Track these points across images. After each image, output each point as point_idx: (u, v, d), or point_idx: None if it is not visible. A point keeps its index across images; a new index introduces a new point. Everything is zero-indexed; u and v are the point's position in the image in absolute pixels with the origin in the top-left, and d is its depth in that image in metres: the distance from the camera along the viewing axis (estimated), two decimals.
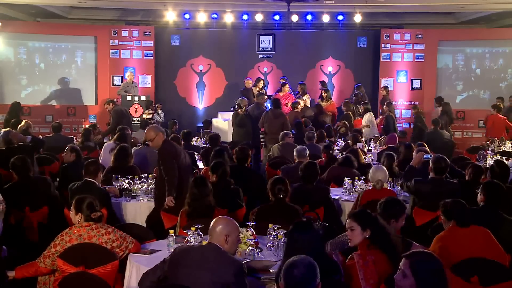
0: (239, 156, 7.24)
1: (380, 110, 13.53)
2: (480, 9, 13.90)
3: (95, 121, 13.79)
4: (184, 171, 6.10)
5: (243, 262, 3.82)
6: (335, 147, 9.78)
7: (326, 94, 13.49)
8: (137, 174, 6.82)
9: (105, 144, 8.99)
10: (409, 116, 14.55)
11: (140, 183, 6.57)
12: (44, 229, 5.84)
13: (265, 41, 15.36)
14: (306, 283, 2.89)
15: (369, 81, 15.26)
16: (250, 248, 4.32)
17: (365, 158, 8.81)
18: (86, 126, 11.53)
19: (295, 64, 15.20)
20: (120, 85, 14.03)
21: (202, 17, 14.43)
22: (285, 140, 9.25)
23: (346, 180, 6.77)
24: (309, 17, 14.56)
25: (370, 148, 10.43)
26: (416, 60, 14.98)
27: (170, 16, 14.26)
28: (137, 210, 6.25)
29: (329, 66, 15.47)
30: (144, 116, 12.60)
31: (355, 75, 15.32)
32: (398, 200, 4.61)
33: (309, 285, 2.89)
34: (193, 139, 10.85)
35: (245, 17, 14.50)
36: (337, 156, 8.66)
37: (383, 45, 14.98)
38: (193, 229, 4.43)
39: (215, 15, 14.45)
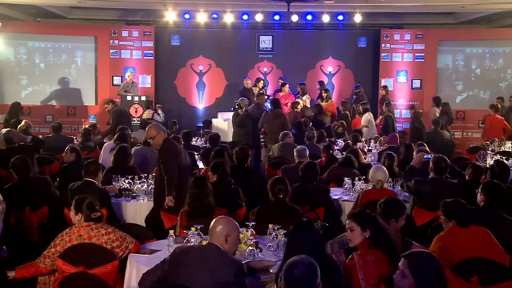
0: (239, 156, 7.24)
1: (380, 110, 13.53)
2: (480, 9, 13.90)
3: (95, 121, 13.79)
4: (184, 171, 6.09)
5: (243, 262, 3.82)
6: (335, 147, 9.78)
7: (326, 94, 13.49)
8: (137, 174, 6.82)
9: (105, 144, 8.99)
10: (409, 116, 14.51)
11: (140, 183, 6.57)
12: (44, 229, 5.84)
13: (265, 41, 15.37)
14: (306, 283, 2.89)
15: (369, 81, 15.27)
16: (250, 248, 4.32)
17: (365, 158, 8.81)
18: (86, 126, 11.52)
19: (295, 64, 15.20)
20: (120, 85, 14.03)
21: (202, 17, 14.43)
22: (285, 140, 9.25)
23: (346, 180, 6.77)
24: (309, 17, 14.56)
25: (370, 148, 10.43)
26: (416, 60, 14.99)
27: (170, 16, 14.26)
28: (137, 210, 6.24)
29: (329, 66, 15.47)
30: (144, 116, 12.61)
31: (355, 75, 15.32)
32: (398, 200, 4.61)
33: (309, 285, 2.89)
34: (193, 139, 10.85)
35: (245, 17, 14.50)
36: (337, 156, 8.66)
37: (383, 45, 14.98)
38: (193, 229, 4.43)
39: (215, 15, 14.45)
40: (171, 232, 4.56)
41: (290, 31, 15.56)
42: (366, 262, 3.63)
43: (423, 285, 2.95)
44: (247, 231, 4.48)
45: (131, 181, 6.62)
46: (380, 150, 9.83)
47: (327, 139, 9.96)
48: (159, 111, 13.74)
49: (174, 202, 5.78)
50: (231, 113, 11.94)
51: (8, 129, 8.88)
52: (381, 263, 3.62)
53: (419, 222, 5.69)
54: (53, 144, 9.36)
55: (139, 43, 14.81)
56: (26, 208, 5.85)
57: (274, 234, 4.47)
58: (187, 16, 14.48)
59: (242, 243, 4.33)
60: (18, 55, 14.45)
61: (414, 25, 15.43)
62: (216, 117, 13.92)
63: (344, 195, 6.67)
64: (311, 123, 11.51)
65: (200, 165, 8.69)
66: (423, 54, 14.91)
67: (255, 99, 12.26)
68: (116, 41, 14.69)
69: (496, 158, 8.76)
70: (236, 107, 11.32)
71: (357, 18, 14.26)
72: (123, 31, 14.74)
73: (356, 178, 6.79)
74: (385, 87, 14.13)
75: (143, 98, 13.33)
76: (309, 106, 13.00)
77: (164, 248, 4.47)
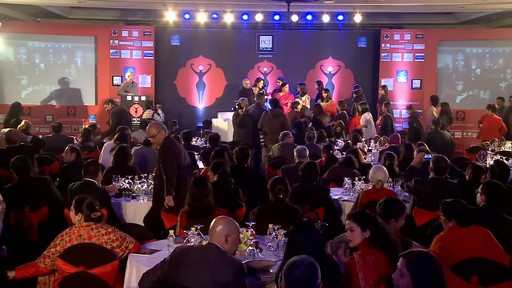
0: (239, 156, 7.24)
1: (379, 110, 13.53)
2: (480, 9, 13.90)
3: (95, 121, 13.79)
4: (184, 171, 6.09)
5: (243, 262, 3.82)
6: (335, 147, 9.78)
7: (326, 94, 13.51)
8: (137, 174, 6.82)
9: (105, 144, 9.00)
10: (409, 116, 14.54)
11: (140, 183, 6.57)
12: (44, 229, 5.84)
13: (265, 41, 15.37)
14: (307, 283, 2.89)
15: (369, 81, 15.27)
16: (250, 248, 4.32)
17: (365, 158, 8.82)
18: (86, 126, 11.53)
19: (295, 64, 15.20)
20: (120, 85, 14.03)
21: (202, 17, 14.44)
22: (285, 140, 9.25)
23: (346, 180, 6.77)
24: (309, 17, 14.56)
25: (370, 148, 10.44)
26: (416, 60, 14.98)
27: (170, 16, 14.26)
28: (137, 210, 6.24)
29: (329, 66, 15.47)
30: (144, 116, 12.61)
31: (355, 75, 15.32)
32: (397, 200, 4.61)
33: (310, 285, 2.89)
34: (193, 139, 10.85)
35: (245, 17, 14.50)
36: (337, 156, 8.67)
37: (383, 45, 14.98)
38: (193, 229, 4.43)
39: (215, 15, 14.45)
40: (171, 232, 4.56)
41: (290, 31, 15.55)
42: (366, 262, 3.63)
43: (420, 284, 2.95)
44: (247, 231, 4.48)
45: (131, 181, 6.63)
46: (381, 150, 9.83)
47: (327, 139, 9.96)
48: (159, 111, 13.73)
49: (173, 202, 5.78)
50: (231, 113, 11.93)
51: (9, 128, 8.90)
52: (381, 263, 3.62)
53: (419, 222, 5.69)
54: (53, 144, 9.36)
55: (139, 43, 14.81)
56: (26, 208, 5.85)
57: (274, 234, 4.47)
58: (187, 16, 14.48)
59: (242, 243, 4.33)
60: (18, 55, 14.45)
61: (414, 25, 15.43)
62: (216, 117, 13.92)
63: (344, 195, 6.67)
64: (311, 123, 11.52)
65: (200, 165, 8.69)
66: (423, 54, 14.90)
67: (255, 99, 12.27)
68: (116, 41, 14.69)
69: (496, 158, 8.76)
70: (236, 107, 11.32)
71: (357, 18, 14.26)
72: (123, 31, 14.74)
73: (356, 178, 6.79)
74: (384, 86, 14.13)
75: (143, 98, 13.33)
76: (309, 106, 13.01)
77: (164, 248, 4.47)
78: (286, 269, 2.94)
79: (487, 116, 12.37)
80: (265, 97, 12.46)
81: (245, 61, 15.25)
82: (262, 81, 13.83)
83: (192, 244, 4.27)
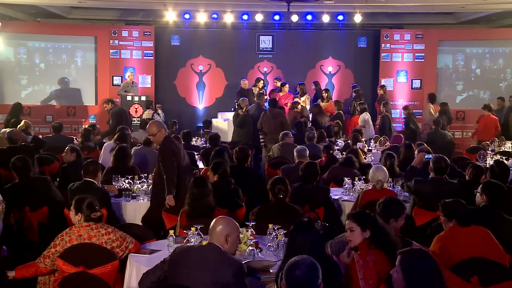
0: (239, 156, 7.24)
1: (378, 110, 13.52)
2: (480, 9, 13.90)
3: (95, 121, 13.79)
4: (183, 171, 6.09)
5: (243, 262, 3.82)
6: (335, 147, 9.78)
7: (326, 95, 13.53)
8: (137, 174, 6.82)
9: (105, 144, 9.01)
10: (405, 117, 14.53)
11: (140, 183, 6.57)
12: (44, 229, 5.84)
13: (265, 41, 15.36)
14: (308, 283, 2.89)
15: (369, 81, 15.27)
16: (250, 248, 4.32)
17: (365, 158, 8.82)
18: (86, 126, 11.53)
19: (295, 64, 15.20)
20: (120, 85, 14.03)
21: (202, 17, 14.43)
22: (285, 140, 9.25)
23: (346, 180, 6.77)
24: (309, 17, 14.56)
25: (370, 148, 10.44)
26: (416, 60, 14.98)
27: (170, 16, 14.25)
28: (137, 210, 6.24)
29: (329, 66, 15.47)
30: (144, 116, 12.61)
31: (355, 75, 15.32)
32: (397, 199, 4.62)
33: (311, 285, 2.89)
34: (193, 139, 10.85)
35: (245, 17, 14.50)
36: (337, 156, 8.67)
37: (383, 45, 14.98)
38: (193, 229, 4.43)
39: (215, 15, 14.45)
40: (171, 232, 4.56)
41: (290, 31, 15.55)
42: (366, 262, 3.64)
43: (412, 282, 2.96)
44: (247, 231, 4.48)
45: (131, 181, 6.63)
46: (383, 149, 9.83)
47: (327, 139, 9.96)
48: (159, 111, 13.73)
49: (174, 202, 5.78)
50: (231, 113, 11.93)
51: (11, 128, 8.92)
52: (381, 263, 3.62)
53: (419, 222, 5.69)
54: (53, 144, 9.36)
55: (139, 43, 14.81)
56: (26, 208, 5.85)
57: (274, 234, 4.47)
58: (187, 16, 14.48)
59: (242, 243, 4.33)
60: (18, 55, 14.45)
61: (414, 25, 15.43)
62: (216, 117, 13.93)
63: (344, 195, 6.66)
64: (310, 123, 11.52)
65: (200, 165, 8.69)
66: (423, 54, 14.90)
67: (255, 99, 12.27)
68: (116, 41, 14.69)
69: (496, 158, 8.76)
70: (237, 107, 11.32)
71: (357, 18, 14.26)
72: (123, 31, 14.74)
73: (356, 178, 6.79)
74: (383, 86, 14.10)
75: (143, 98, 13.33)
76: (308, 106, 13.02)
77: (164, 248, 4.47)
78: (287, 269, 2.94)
79: (483, 116, 12.38)
80: (265, 97, 12.46)
81: (245, 61, 15.25)
82: (262, 81, 13.84)
83: (192, 244, 4.27)
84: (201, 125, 13.19)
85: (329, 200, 6.12)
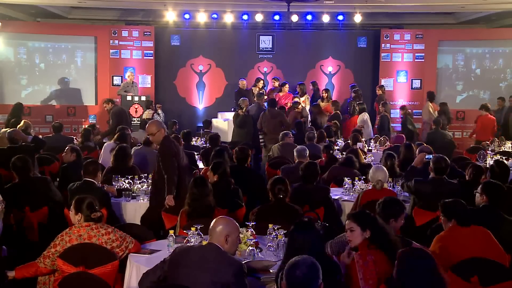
0: (239, 156, 7.24)
1: (377, 110, 13.53)
2: (480, 9, 13.90)
3: (95, 121, 13.79)
4: (183, 171, 6.10)
5: (243, 262, 3.82)
6: (335, 147, 9.78)
7: (326, 95, 13.54)
8: (137, 174, 6.82)
9: (105, 144, 9.01)
10: (402, 117, 14.54)
11: (140, 183, 6.57)
12: (44, 229, 5.84)
13: (265, 41, 15.36)
14: (308, 283, 2.89)
15: (369, 81, 15.26)
16: (250, 248, 4.32)
17: (365, 158, 8.82)
18: (86, 126, 11.54)
19: (295, 64, 15.20)
20: (120, 85, 14.04)
21: (202, 17, 14.43)
22: (285, 140, 9.26)
23: (346, 180, 6.77)
24: (309, 17, 14.56)
25: (370, 148, 10.44)
26: (416, 60, 14.98)
27: (170, 16, 14.25)
28: (137, 210, 6.24)
29: (329, 66, 15.46)
30: (144, 116, 12.61)
31: (355, 75, 15.32)
32: (396, 199, 4.62)
33: (311, 285, 2.89)
34: (193, 139, 10.85)
35: (245, 17, 14.50)
36: (337, 156, 8.67)
37: (383, 45, 14.98)
38: (193, 229, 4.43)
39: (215, 15, 14.45)
40: (171, 232, 4.56)
41: (290, 31, 15.55)
42: (366, 262, 3.64)
43: (411, 282, 2.98)
44: (247, 231, 4.48)
45: (131, 181, 6.62)
46: (384, 149, 9.84)
47: (327, 139, 9.96)
48: (159, 111, 13.73)
49: (174, 202, 5.78)
50: (231, 113, 11.93)
51: (11, 128, 8.93)
52: (381, 263, 3.62)
53: (419, 222, 5.70)
54: (53, 144, 9.37)
55: (139, 43, 14.81)
56: (26, 208, 5.85)
57: (274, 234, 4.47)
58: (187, 16, 14.47)
59: (242, 243, 4.33)
60: (18, 55, 14.45)
61: (414, 25, 15.42)
62: (216, 117, 13.92)
63: (344, 195, 6.67)
64: (310, 123, 11.52)
65: (200, 165, 8.69)
66: (423, 54, 14.90)
67: (255, 99, 12.28)
68: (116, 41, 14.69)
69: (496, 158, 8.76)
70: (237, 107, 11.32)
71: (357, 18, 14.26)
72: (123, 31, 14.74)
73: (356, 178, 6.79)
74: (381, 86, 14.08)
75: (143, 98, 13.33)
76: (308, 106, 13.02)
77: (164, 248, 4.47)
78: (287, 269, 2.94)
79: (481, 116, 12.39)
80: (265, 97, 12.47)
81: (245, 61, 15.25)
82: (262, 81, 13.84)
83: (192, 244, 4.27)
84: (201, 125, 13.19)
85: (329, 200, 6.12)
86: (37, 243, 5.58)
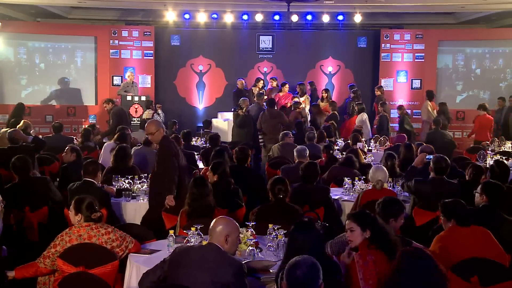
0: (239, 156, 7.24)
1: (376, 110, 13.53)
2: (480, 9, 13.90)
3: (95, 121, 13.79)
4: (182, 171, 6.10)
5: (243, 262, 3.82)
6: (335, 147, 9.79)
7: (326, 95, 13.54)
8: (137, 174, 6.82)
9: (105, 144, 9.01)
10: (399, 116, 14.54)
11: (140, 183, 6.57)
12: (44, 229, 5.84)
13: (265, 41, 15.36)
14: (308, 283, 2.89)
15: (369, 81, 15.26)
16: (250, 248, 4.32)
17: (365, 158, 8.82)
18: (86, 126, 11.54)
19: (295, 64, 15.21)
20: (120, 85, 14.04)
21: (202, 17, 14.43)
22: (285, 140, 9.26)
23: (346, 180, 6.77)
24: (309, 17, 14.56)
25: (370, 148, 10.44)
26: (416, 60, 14.98)
27: (170, 16, 14.26)
28: (137, 210, 6.24)
29: (329, 66, 15.47)
30: (144, 116, 12.61)
31: (355, 75, 15.32)
32: (396, 199, 4.63)
33: (312, 285, 2.89)
34: (193, 139, 10.85)
35: (245, 17, 14.50)
36: (337, 156, 8.67)
37: (383, 45, 14.98)
38: (193, 229, 4.43)
39: (215, 15, 14.45)
40: (171, 232, 4.56)
41: (290, 31, 15.55)
42: (366, 262, 3.64)
43: (405, 279, 2.99)
44: (247, 231, 4.48)
45: (131, 181, 6.62)
46: (385, 148, 9.85)
47: (327, 139, 9.97)
48: (159, 111, 13.74)
49: (174, 202, 5.78)
50: (231, 113, 11.93)
51: (11, 128, 8.93)
52: (381, 263, 3.62)
53: (419, 222, 5.70)
54: (53, 144, 9.37)
55: (139, 43, 14.81)
56: (26, 208, 5.86)
57: (274, 234, 4.47)
58: (187, 16, 14.48)
59: (242, 243, 4.33)
60: (18, 55, 14.45)
61: (414, 25, 15.42)
62: (216, 117, 13.93)
63: (344, 195, 6.67)
64: (309, 123, 11.52)
65: (200, 165, 8.69)
66: (423, 54, 14.90)
67: (255, 99, 12.28)
68: (116, 41, 14.69)
69: (496, 158, 8.76)
70: (237, 107, 11.32)
71: (357, 18, 14.26)
72: (123, 31, 14.75)
73: (356, 178, 6.79)
74: (380, 87, 14.06)
75: (143, 98, 13.33)
76: (308, 106, 13.03)
77: (164, 248, 4.47)
78: (287, 269, 2.94)
79: (479, 116, 12.41)
80: (265, 97, 12.48)
81: (245, 61, 15.25)
82: (262, 81, 13.84)
83: (192, 244, 4.27)
84: (201, 125, 13.19)
85: (329, 200, 6.12)
86: (37, 243, 5.58)
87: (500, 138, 11.30)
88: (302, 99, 12.98)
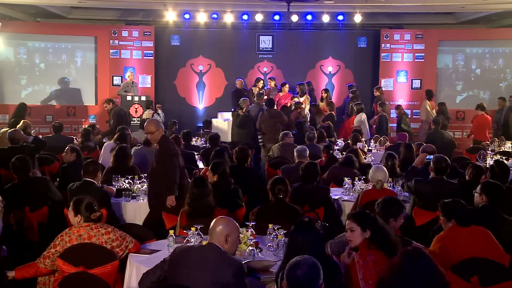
0: (239, 156, 7.24)
1: (376, 111, 13.53)
2: (480, 9, 13.90)
3: (95, 121, 13.80)
4: (182, 171, 6.11)
5: (243, 262, 3.82)
6: (335, 147, 9.79)
7: (326, 95, 13.54)
8: (137, 174, 6.81)
9: (105, 144, 9.01)
10: (410, 116, 14.56)
11: (140, 183, 6.56)
12: (44, 229, 5.84)
13: (265, 41, 15.36)
14: (309, 283, 2.89)
15: (369, 81, 15.26)
16: (250, 248, 4.32)
17: (365, 158, 8.82)
18: (86, 126, 11.54)
19: (295, 64, 15.21)
20: (120, 85, 14.04)
21: (202, 17, 14.43)
22: (285, 140, 9.26)
23: (346, 180, 6.77)
24: (309, 17, 14.56)
25: (370, 148, 10.44)
26: (416, 60, 14.98)
27: (170, 16, 14.25)
28: (137, 210, 6.24)
29: (329, 66, 15.46)
30: (144, 116, 12.60)
31: (355, 75, 15.32)
32: (395, 199, 4.63)
33: (312, 285, 2.89)
34: (193, 139, 10.85)
35: (245, 17, 14.50)
36: (337, 156, 8.67)
37: (383, 45, 14.98)
38: (193, 229, 4.43)
39: (215, 15, 14.45)
40: (171, 232, 4.56)
41: (290, 31, 15.55)
42: (366, 262, 3.64)
43: (403, 278, 2.98)
44: (247, 231, 4.48)
45: (131, 181, 6.62)
46: (387, 146, 9.86)
47: (327, 139, 9.97)
48: (159, 111, 13.74)
49: (175, 202, 5.78)
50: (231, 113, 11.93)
51: (13, 129, 8.94)
52: (381, 263, 3.62)
53: (419, 222, 5.70)
54: (53, 144, 9.36)
55: (139, 43, 14.81)
56: (26, 208, 5.86)
57: (274, 234, 4.47)
58: (187, 16, 14.48)
59: (242, 243, 4.33)
60: (18, 55, 14.45)
61: (414, 25, 15.42)
62: (216, 117, 13.93)
63: (344, 195, 6.67)
64: (309, 123, 11.52)
65: (200, 165, 8.69)
66: (423, 54, 14.90)
67: (255, 99, 12.28)
68: (116, 41, 14.69)
69: (496, 158, 8.76)
70: (237, 107, 11.32)
71: (357, 18, 14.26)
72: (123, 31, 14.75)
73: (356, 178, 6.79)
74: (379, 88, 14.04)
75: (143, 98, 13.33)
76: (308, 106, 13.02)
77: (164, 248, 4.47)
78: (288, 269, 2.94)
79: (476, 116, 12.41)
80: (265, 97, 12.48)
81: (245, 61, 15.26)
82: (262, 81, 13.85)
83: (192, 244, 4.27)
84: (201, 125, 13.19)
85: (329, 200, 6.12)
86: (37, 243, 5.58)
87: (500, 138, 11.30)
88: (302, 99, 12.98)
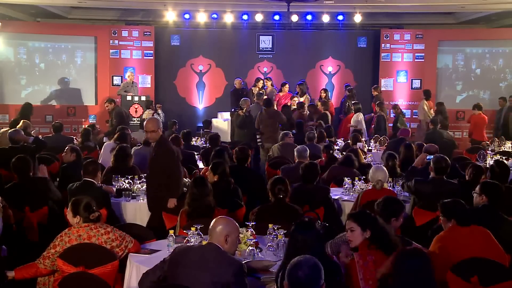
0: (239, 156, 7.24)
1: (374, 110, 13.52)
2: (480, 9, 13.90)
3: (95, 121, 13.80)
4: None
5: (243, 262, 3.82)
6: (335, 147, 9.79)
7: (325, 95, 13.54)
8: (137, 174, 6.81)
9: (105, 144, 9.01)
10: (409, 116, 14.57)
11: (140, 183, 6.56)
12: (44, 229, 5.84)
13: (265, 41, 15.36)
14: (310, 284, 2.88)
15: (369, 81, 15.25)
16: (250, 248, 4.32)
17: (365, 158, 8.82)
18: (86, 126, 11.53)
19: (295, 64, 15.20)
20: (120, 85, 14.04)
21: (202, 17, 14.43)
22: (285, 140, 9.26)
23: (346, 180, 6.77)
24: (309, 17, 14.56)
25: (370, 148, 10.44)
26: (416, 60, 14.98)
27: (170, 16, 14.26)
28: (137, 210, 6.24)
29: (329, 66, 15.46)
30: (144, 116, 12.59)
31: (355, 75, 15.32)
32: (396, 198, 4.65)
33: (314, 285, 2.89)
34: (193, 139, 10.85)
35: (245, 17, 14.50)
36: (337, 156, 8.67)
37: (383, 45, 14.98)
38: (193, 229, 4.43)
39: (215, 15, 14.45)
40: (171, 232, 4.56)
41: (290, 31, 15.55)
42: (366, 262, 3.64)
43: (398, 278, 2.97)
44: (247, 231, 4.48)
45: (131, 181, 6.62)
46: (387, 144, 9.90)
47: (327, 139, 9.97)
48: (159, 111, 13.74)
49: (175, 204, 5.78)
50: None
51: (14, 129, 8.93)
52: (381, 263, 3.61)
53: (419, 222, 5.70)
54: (53, 144, 9.36)
55: (139, 43, 14.81)
56: (26, 208, 5.85)
57: (274, 234, 4.47)
58: (187, 16, 14.48)
59: (242, 243, 4.33)
60: (18, 55, 14.45)
61: (414, 25, 15.42)
62: (216, 117, 13.92)
63: (344, 195, 6.67)
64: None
65: (200, 165, 8.69)
66: (423, 54, 14.90)
67: (255, 99, 12.28)
68: (116, 41, 14.69)
69: (496, 158, 8.76)
70: (236, 107, 11.32)
71: (357, 18, 14.26)
72: (123, 31, 14.74)
73: (356, 178, 6.79)
74: (376, 87, 14.03)
75: (143, 98, 13.34)
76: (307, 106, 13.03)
77: (164, 248, 4.47)
78: (289, 269, 2.94)
79: (473, 115, 12.42)
80: (265, 97, 12.48)
81: (245, 61, 15.25)
82: (262, 81, 13.85)
83: (192, 244, 4.27)
84: (201, 125, 13.19)
85: (329, 200, 6.12)
86: (37, 243, 5.58)
87: (500, 138, 11.30)
88: (302, 99, 12.98)
